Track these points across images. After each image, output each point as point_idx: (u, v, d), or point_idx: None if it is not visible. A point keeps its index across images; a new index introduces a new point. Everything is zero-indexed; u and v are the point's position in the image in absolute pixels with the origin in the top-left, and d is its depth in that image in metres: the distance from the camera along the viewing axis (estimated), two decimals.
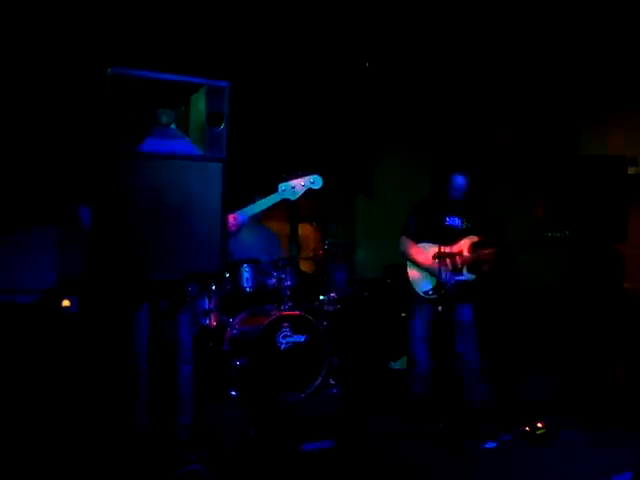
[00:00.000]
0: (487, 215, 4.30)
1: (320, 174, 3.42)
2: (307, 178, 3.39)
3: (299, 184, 3.38)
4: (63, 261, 4.74)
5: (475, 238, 4.12)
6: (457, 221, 4.19)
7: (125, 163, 2.35)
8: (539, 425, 3.63)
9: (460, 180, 4.12)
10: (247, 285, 4.57)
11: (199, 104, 2.46)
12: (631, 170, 5.74)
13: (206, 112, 2.45)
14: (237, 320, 4.51)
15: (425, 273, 4.16)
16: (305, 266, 5.99)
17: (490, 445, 3.52)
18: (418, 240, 4.22)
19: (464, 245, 4.11)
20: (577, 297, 5.54)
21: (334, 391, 4.47)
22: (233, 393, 4.12)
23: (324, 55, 4.97)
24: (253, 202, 3.69)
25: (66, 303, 4.47)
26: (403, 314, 5.87)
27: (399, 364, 5.39)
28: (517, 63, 5.12)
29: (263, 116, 5.81)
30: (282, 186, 3.38)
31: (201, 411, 3.59)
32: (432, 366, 4.13)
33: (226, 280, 4.56)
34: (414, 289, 4.20)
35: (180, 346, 3.24)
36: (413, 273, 4.22)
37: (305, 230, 6.63)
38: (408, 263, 4.26)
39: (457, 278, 4.08)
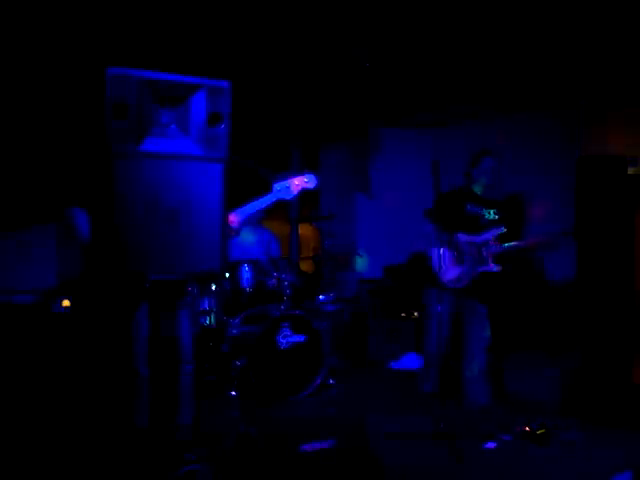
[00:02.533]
0: (512, 207, 4.34)
1: (319, 172, 3.44)
2: (302, 177, 3.40)
3: (294, 183, 3.40)
4: (63, 261, 4.74)
5: (502, 229, 4.09)
6: (482, 211, 4.18)
7: (125, 163, 2.35)
8: (539, 425, 3.63)
9: (489, 162, 4.13)
10: (247, 285, 4.57)
11: (199, 104, 2.46)
12: (631, 170, 5.73)
13: (206, 112, 2.45)
14: (237, 320, 4.51)
15: (451, 261, 4.11)
16: (305, 266, 6.00)
17: (490, 445, 3.52)
18: (447, 229, 4.13)
19: (491, 236, 4.09)
20: (579, 298, 5.53)
21: (334, 391, 4.47)
22: (233, 393, 4.12)
23: (324, 55, 4.97)
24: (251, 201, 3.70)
25: (66, 303, 4.48)
26: (403, 314, 5.89)
27: (399, 364, 5.39)
28: (517, 63, 5.12)
29: (261, 114, 5.82)
30: (277, 186, 3.40)
31: (201, 411, 3.59)
32: (443, 356, 4.10)
33: (226, 280, 4.56)
34: (438, 277, 4.09)
35: (180, 345, 3.24)
36: (438, 261, 4.10)
37: (305, 230, 6.63)
38: (433, 251, 4.15)
39: (482, 268, 4.07)
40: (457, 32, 4.57)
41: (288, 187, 3.38)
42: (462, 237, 4.11)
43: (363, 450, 3.51)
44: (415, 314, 5.79)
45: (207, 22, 4.27)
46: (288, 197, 3.41)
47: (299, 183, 3.40)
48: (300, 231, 6.69)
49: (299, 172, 3.47)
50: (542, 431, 3.58)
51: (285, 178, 3.42)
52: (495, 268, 4.06)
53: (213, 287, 4.49)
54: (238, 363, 4.18)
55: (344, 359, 5.05)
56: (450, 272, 4.08)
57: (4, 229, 4.63)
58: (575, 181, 5.78)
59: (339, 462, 3.34)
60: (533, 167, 6.20)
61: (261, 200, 3.44)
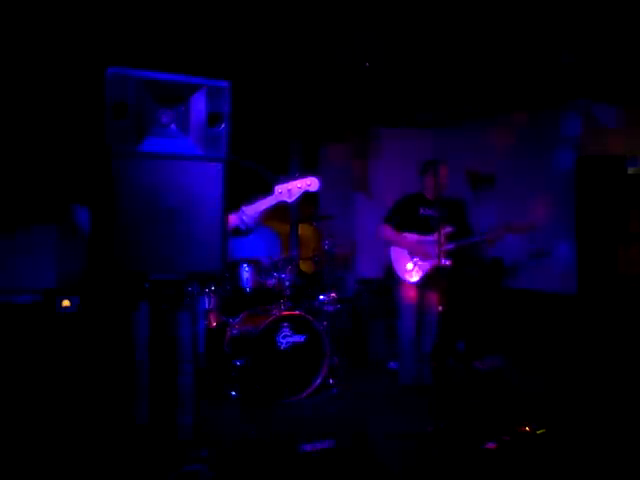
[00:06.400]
0: (458, 208, 4.70)
1: (318, 172, 3.44)
2: (304, 180, 3.40)
3: (295, 186, 3.39)
4: (63, 261, 4.74)
5: (450, 228, 4.52)
6: (433, 212, 4.60)
7: (125, 163, 2.35)
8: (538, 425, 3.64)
9: (436, 170, 4.54)
10: (247, 285, 4.58)
11: (199, 104, 2.46)
12: (631, 170, 5.74)
13: (206, 112, 2.45)
14: (237, 320, 4.51)
15: (407, 259, 4.55)
16: (305, 266, 6.00)
17: (490, 445, 3.52)
18: (400, 230, 4.60)
19: (441, 234, 4.45)
20: (583, 299, 5.55)
21: (334, 391, 4.47)
22: (233, 393, 4.12)
23: (324, 55, 4.97)
24: (252, 202, 3.69)
25: (66, 303, 4.47)
26: None
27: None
28: (516, 62, 5.12)
29: (261, 114, 5.82)
30: (279, 188, 3.39)
31: (201, 411, 3.59)
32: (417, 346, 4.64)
33: (226, 280, 4.56)
34: (397, 274, 4.57)
35: (181, 345, 3.24)
36: (396, 259, 4.60)
37: (305, 230, 6.63)
38: (392, 250, 4.63)
39: (434, 264, 4.46)
40: (456, 33, 4.57)
41: (289, 190, 3.37)
42: (413, 237, 4.57)
43: (363, 450, 3.51)
44: None
45: (207, 22, 4.27)
46: (289, 200, 3.41)
47: (301, 186, 3.39)
48: (300, 231, 6.69)
49: (301, 175, 3.47)
50: (542, 431, 3.59)
51: (287, 180, 3.42)
52: (446, 263, 4.45)
53: (213, 287, 4.49)
54: (238, 363, 4.18)
55: (344, 359, 5.04)
56: (406, 269, 4.54)
57: (4, 229, 4.62)
58: (575, 181, 5.79)
59: (339, 462, 3.34)
60: (533, 167, 6.20)
61: (261, 202, 3.43)
